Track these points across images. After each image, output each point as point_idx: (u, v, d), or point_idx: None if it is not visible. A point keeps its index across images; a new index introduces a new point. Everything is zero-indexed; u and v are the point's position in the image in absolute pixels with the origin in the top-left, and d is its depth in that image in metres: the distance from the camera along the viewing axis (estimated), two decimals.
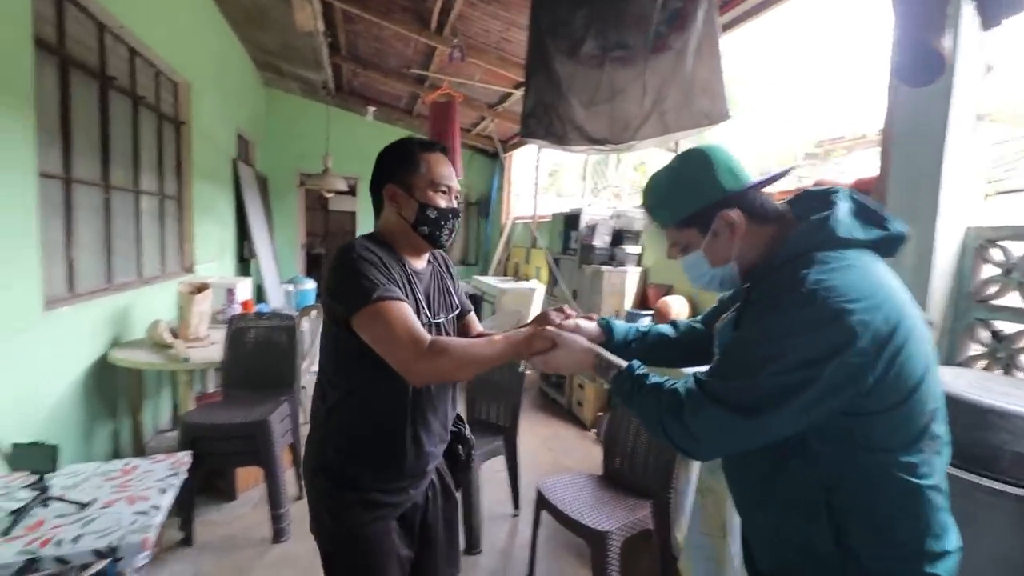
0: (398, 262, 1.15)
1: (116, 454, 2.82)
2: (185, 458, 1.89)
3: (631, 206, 4.21)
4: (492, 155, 7.46)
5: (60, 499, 1.51)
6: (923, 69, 0.76)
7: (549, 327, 1.08)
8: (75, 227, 2.62)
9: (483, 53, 4.39)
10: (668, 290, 3.54)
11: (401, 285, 1.10)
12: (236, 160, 5.58)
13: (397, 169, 1.17)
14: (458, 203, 1.24)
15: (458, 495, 1.39)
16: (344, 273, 1.05)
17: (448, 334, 1.24)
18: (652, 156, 7.23)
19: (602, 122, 1.70)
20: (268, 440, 2.33)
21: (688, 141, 2.06)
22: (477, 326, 1.37)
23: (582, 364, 1.01)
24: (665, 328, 1.21)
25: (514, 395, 2.49)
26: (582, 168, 7.81)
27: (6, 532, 1.36)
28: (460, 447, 1.32)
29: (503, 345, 1.04)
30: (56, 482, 1.63)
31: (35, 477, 1.47)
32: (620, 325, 1.20)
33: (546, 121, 1.64)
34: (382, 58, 5.39)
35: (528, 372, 1.13)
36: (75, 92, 2.60)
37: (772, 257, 0.85)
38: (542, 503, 1.96)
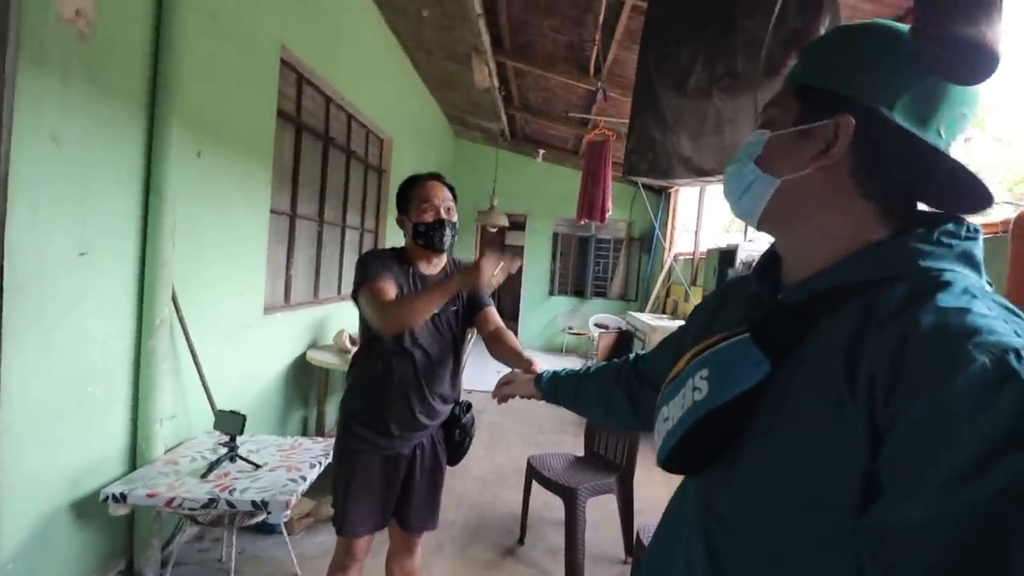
0: (405, 266, 1.51)
1: (303, 434, 3.47)
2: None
3: None
4: (657, 191, 7.31)
5: (243, 459, 1.96)
6: (970, 65, 0.56)
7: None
8: (295, 252, 3.39)
9: None
10: None
11: (398, 278, 1.44)
12: None
13: (401, 203, 1.54)
14: (449, 216, 1.51)
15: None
16: (357, 266, 1.47)
17: (448, 325, 1.53)
18: None
19: (710, 153, 1.60)
20: None
21: None
22: (495, 317, 1.58)
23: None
24: (600, 366, 1.02)
25: (634, 432, 2.39)
26: None
27: (204, 475, 1.82)
28: (457, 431, 1.60)
29: (437, 291, 1.30)
30: (245, 445, 2.12)
31: (228, 437, 1.94)
32: (548, 373, 1.11)
33: (649, 156, 1.62)
34: (549, 105, 5.80)
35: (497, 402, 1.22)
36: (304, 150, 3.41)
37: (848, 259, 0.53)
38: (641, 550, 1.84)
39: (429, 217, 1.47)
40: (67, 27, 1.59)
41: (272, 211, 2.93)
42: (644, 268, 7.77)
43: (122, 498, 1.70)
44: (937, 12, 0.57)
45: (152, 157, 1.96)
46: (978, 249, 0.51)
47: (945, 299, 0.45)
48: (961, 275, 0.48)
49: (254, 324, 2.79)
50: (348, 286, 4.36)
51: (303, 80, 3.31)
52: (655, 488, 3.22)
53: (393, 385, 1.47)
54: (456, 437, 1.60)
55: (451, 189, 1.55)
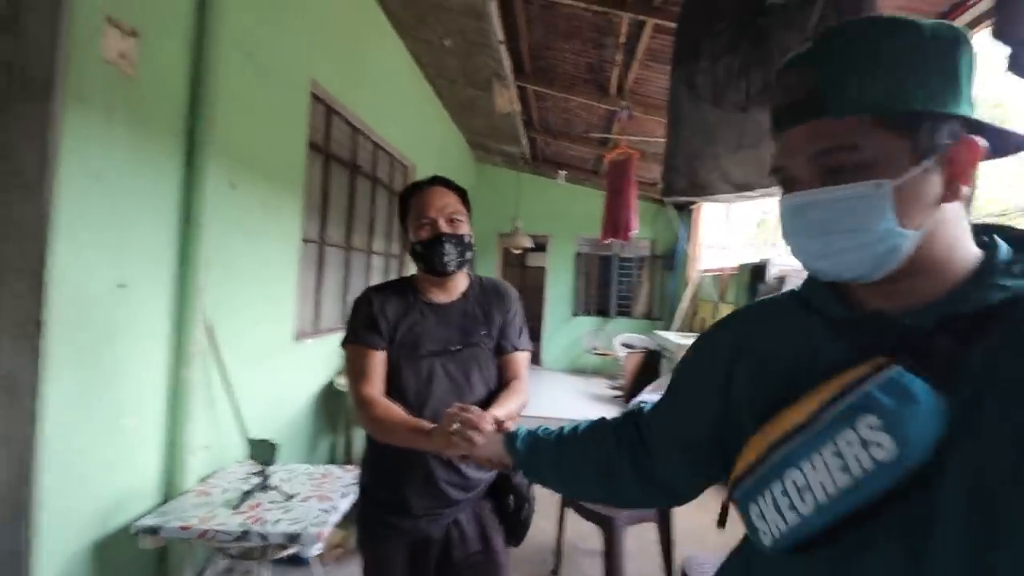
0: (409, 296, 1.23)
1: (332, 462, 3.44)
2: None
3: None
4: (680, 208, 7.24)
5: (275, 488, 1.94)
6: None
7: (453, 419, 0.90)
8: (324, 278, 3.43)
9: (661, 110, 4.43)
10: None
11: (388, 324, 1.19)
12: None
13: (402, 220, 1.25)
14: (454, 228, 1.19)
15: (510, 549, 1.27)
16: (352, 308, 1.25)
17: (462, 362, 1.21)
18: None
19: (748, 167, 1.55)
20: None
21: None
22: (517, 368, 1.26)
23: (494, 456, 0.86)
24: (588, 424, 0.82)
25: None
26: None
27: (236, 507, 1.80)
28: (510, 497, 1.23)
29: (410, 434, 1.04)
30: (276, 475, 2.10)
31: (260, 467, 1.92)
32: (523, 430, 0.86)
33: (690, 173, 1.58)
34: (569, 126, 5.84)
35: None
36: (333, 178, 3.47)
37: (971, 281, 0.49)
38: None
39: (425, 233, 1.17)
40: (111, 68, 1.65)
41: (302, 239, 2.97)
42: (668, 286, 7.65)
43: (154, 531, 1.69)
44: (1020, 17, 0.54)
45: (189, 189, 2.00)
46: None
47: None
48: None
49: (285, 350, 2.80)
50: None
51: (331, 112, 3.39)
52: (695, 516, 3.08)
53: (413, 457, 1.13)
54: (511, 506, 1.22)
55: (461, 193, 1.24)
